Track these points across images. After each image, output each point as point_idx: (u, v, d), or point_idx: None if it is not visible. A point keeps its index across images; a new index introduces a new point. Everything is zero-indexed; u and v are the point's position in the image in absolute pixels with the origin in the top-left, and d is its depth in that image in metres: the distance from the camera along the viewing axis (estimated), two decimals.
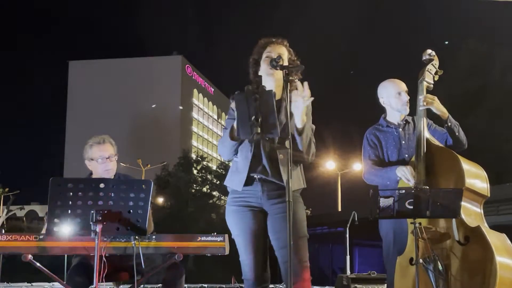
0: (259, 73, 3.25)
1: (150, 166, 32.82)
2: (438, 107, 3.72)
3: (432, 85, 3.86)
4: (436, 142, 3.72)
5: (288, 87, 2.93)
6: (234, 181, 3.20)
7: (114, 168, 3.63)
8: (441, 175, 3.56)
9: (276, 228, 3.12)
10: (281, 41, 3.30)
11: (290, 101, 3.10)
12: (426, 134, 3.70)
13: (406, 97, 3.88)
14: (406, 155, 3.82)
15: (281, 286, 9.42)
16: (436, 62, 3.92)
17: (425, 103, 3.70)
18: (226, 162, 43.39)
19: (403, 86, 3.91)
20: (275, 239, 3.13)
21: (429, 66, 3.88)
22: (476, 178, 3.55)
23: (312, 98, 3.03)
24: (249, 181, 3.14)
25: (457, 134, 3.73)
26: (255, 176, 3.13)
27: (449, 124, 3.71)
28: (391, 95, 3.90)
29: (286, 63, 3.17)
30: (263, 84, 3.18)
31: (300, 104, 3.03)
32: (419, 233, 3.33)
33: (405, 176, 3.60)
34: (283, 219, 3.04)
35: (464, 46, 28.87)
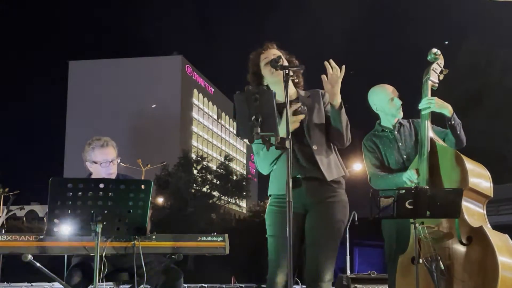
0: (264, 83, 3.25)
1: (150, 166, 32.77)
2: (440, 108, 3.71)
3: (437, 84, 3.85)
4: (440, 141, 3.72)
5: (288, 87, 2.92)
6: (276, 186, 3.18)
7: (116, 172, 3.62)
8: (445, 175, 3.56)
9: (312, 224, 3.13)
10: (271, 44, 3.30)
11: (308, 96, 3.18)
12: (430, 134, 3.70)
13: (398, 102, 3.89)
14: (405, 156, 3.84)
15: None
16: (441, 61, 3.91)
17: (427, 107, 3.70)
18: (226, 163, 43.43)
19: (393, 90, 3.92)
20: (308, 235, 3.13)
21: (434, 65, 3.88)
22: (479, 178, 3.55)
23: (344, 66, 3.05)
24: (293, 184, 3.14)
25: (458, 132, 3.73)
26: (298, 176, 3.12)
27: (452, 122, 3.70)
28: (384, 102, 3.91)
29: (285, 63, 3.18)
30: (272, 90, 3.19)
31: (334, 79, 3.04)
32: (421, 233, 3.33)
33: (410, 178, 3.59)
34: (319, 216, 3.09)
35: (464, 46, 28.88)
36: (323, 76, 3.07)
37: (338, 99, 3.09)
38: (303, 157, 3.14)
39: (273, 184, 3.23)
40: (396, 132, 3.91)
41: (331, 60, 3.05)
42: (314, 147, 3.13)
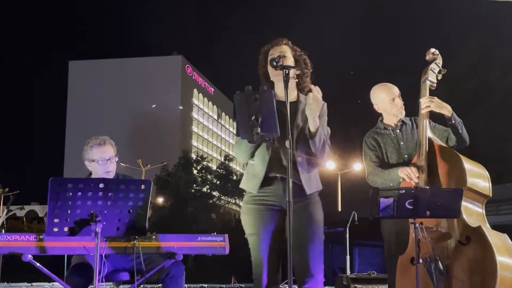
0: (272, 79, 3.25)
1: (150, 166, 32.79)
2: (439, 108, 3.71)
3: (435, 84, 3.85)
4: (439, 141, 3.71)
5: (288, 87, 2.92)
6: (251, 184, 3.19)
7: (114, 170, 3.63)
8: (443, 175, 3.56)
9: (293, 227, 3.12)
10: (281, 40, 3.29)
11: (298, 102, 3.16)
12: (429, 134, 3.70)
13: (400, 102, 3.89)
14: (406, 155, 3.83)
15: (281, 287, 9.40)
16: (439, 61, 3.90)
17: (427, 106, 3.70)
18: (226, 163, 43.43)
19: (395, 90, 3.90)
20: (292, 238, 3.12)
21: (432, 65, 3.87)
22: (478, 177, 3.55)
23: (323, 102, 3.06)
24: (270, 181, 3.14)
25: (460, 131, 3.72)
26: (277, 176, 3.12)
27: (453, 121, 3.70)
28: (386, 102, 3.90)
29: (291, 61, 3.18)
30: (276, 88, 3.19)
31: (314, 106, 3.04)
32: (420, 233, 3.33)
33: (410, 175, 3.59)
34: (301, 219, 3.08)
35: (464, 46, 28.89)
36: (309, 96, 3.07)
37: (313, 126, 3.08)
38: (286, 160, 3.08)
39: (249, 181, 3.21)
40: (398, 131, 3.90)
41: (317, 87, 3.05)
42: (299, 159, 3.12)
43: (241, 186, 3.27)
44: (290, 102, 2.87)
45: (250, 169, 3.22)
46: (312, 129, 3.09)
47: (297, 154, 3.12)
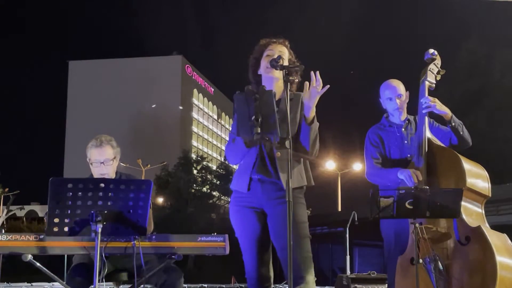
0: (259, 72, 3.25)
1: (150, 166, 32.80)
2: (440, 109, 3.71)
3: (434, 85, 3.84)
4: (437, 142, 3.71)
5: (288, 87, 2.92)
6: (238, 183, 3.19)
7: (110, 172, 3.57)
8: (442, 175, 3.56)
9: (276, 229, 3.09)
10: (283, 41, 3.29)
11: (290, 99, 3.12)
12: (428, 134, 3.69)
13: (395, 104, 3.87)
14: (408, 155, 3.81)
15: (281, 286, 9.42)
16: (438, 61, 3.90)
17: (427, 106, 3.69)
18: (227, 163, 43.43)
19: (396, 90, 3.87)
20: (276, 240, 3.10)
21: (431, 66, 3.87)
22: (477, 178, 3.55)
23: (328, 86, 3.00)
24: (251, 183, 3.14)
25: (461, 133, 3.72)
26: (255, 178, 3.11)
27: (453, 124, 3.70)
28: (384, 99, 3.91)
29: (286, 63, 3.16)
30: (262, 83, 3.19)
31: (314, 93, 2.99)
32: (420, 233, 3.33)
33: (408, 180, 3.58)
34: (283, 220, 3.02)
35: (464, 46, 28.90)
36: (306, 84, 3.02)
37: (311, 113, 3.04)
38: (268, 159, 3.10)
39: (236, 180, 3.22)
40: (403, 129, 3.90)
41: (317, 72, 2.99)
42: (278, 154, 3.07)
43: (231, 187, 3.25)
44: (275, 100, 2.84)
45: (239, 169, 3.22)
46: (308, 115, 3.04)
47: (276, 150, 3.07)
